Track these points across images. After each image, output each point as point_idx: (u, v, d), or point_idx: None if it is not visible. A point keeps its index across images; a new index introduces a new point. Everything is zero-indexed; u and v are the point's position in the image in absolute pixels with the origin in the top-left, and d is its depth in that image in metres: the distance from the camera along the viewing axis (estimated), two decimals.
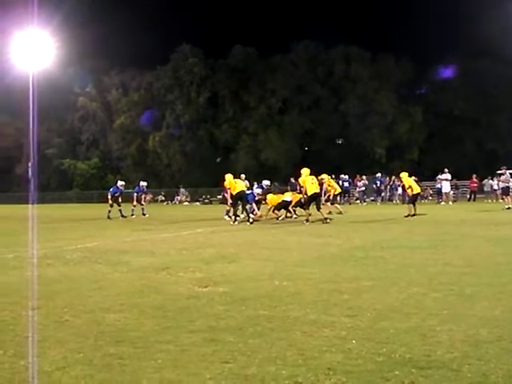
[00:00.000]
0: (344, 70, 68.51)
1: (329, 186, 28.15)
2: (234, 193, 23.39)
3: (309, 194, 21.90)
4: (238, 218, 23.26)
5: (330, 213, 25.15)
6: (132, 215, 29.95)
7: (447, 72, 65.33)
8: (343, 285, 8.28)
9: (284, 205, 24.50)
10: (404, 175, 26.58)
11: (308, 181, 22.22)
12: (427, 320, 6.17)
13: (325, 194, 27.64)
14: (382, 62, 68.19)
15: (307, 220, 21.77)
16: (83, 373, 4.65)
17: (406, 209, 25.15)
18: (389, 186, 46.28)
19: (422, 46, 78.35)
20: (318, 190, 22.60)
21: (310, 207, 22.27)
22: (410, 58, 67.41)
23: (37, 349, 5.36)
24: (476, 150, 64.85)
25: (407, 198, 27.50)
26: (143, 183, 32.32)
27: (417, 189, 25.81)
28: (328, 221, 21.74)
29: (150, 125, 75.45)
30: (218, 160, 73.94)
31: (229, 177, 23.96)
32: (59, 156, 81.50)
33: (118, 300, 7.53)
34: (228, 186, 23.86)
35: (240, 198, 23.49)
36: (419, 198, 28.09)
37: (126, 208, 30.08)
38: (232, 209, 23.88)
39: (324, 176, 26.39)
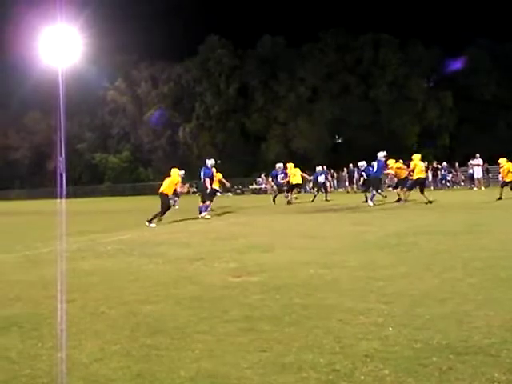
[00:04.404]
0: (373, 56, 68.03)
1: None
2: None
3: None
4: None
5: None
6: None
7: (477, 56, 64.48)
8: (379, 272, 8.25)
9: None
10: (502, 160, 26.33)
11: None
12: (463, 305, 6.12)
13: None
14: (411, 48, 67.48)
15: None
16: (120, 364, 4.68)
17: (439, 195, 24.91)
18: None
19: (451, 30, 77.76)
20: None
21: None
22: (440, 42, 66.66)
23: (74, 341, 5.40)
24: (508, 134, 64.01)
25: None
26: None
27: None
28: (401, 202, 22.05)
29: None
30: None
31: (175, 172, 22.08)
32: (90, 150, 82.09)
33: (153, 291, 7.57)
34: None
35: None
36: (451, 183, 27.49)
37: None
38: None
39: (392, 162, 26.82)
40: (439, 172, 45.76)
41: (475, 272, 7.89)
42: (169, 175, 21.15)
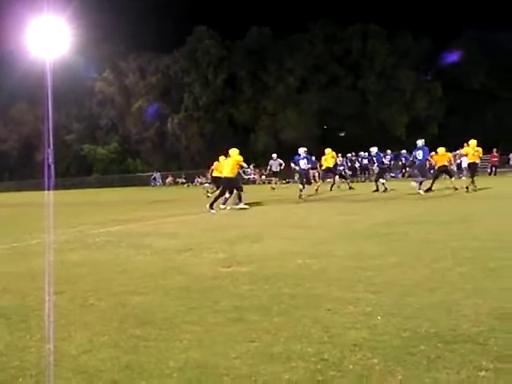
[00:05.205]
0: (361, 47, 68.20)
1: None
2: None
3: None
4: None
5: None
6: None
7: (466, 46, 64.55)
8: (367, 261, 8.25)
9: None
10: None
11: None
12: (452, 294, 6.12)
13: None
14: (399, 39, 67.69)
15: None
16: (109, 355, 4.67)
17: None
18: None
19: (440, 20, 77.66)
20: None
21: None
22: (429, 32, 66.75)
23: (62, 333, 5.38)
24: (497, 124, 64.16)
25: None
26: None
27: None
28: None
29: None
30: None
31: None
32: (79, 141, 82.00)
33: (142, 282, 7.56)
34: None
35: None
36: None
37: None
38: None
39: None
40: (427, 162, 45.96)
41: (465, 261, 7.89)
42: (224, 158, 20.76)
